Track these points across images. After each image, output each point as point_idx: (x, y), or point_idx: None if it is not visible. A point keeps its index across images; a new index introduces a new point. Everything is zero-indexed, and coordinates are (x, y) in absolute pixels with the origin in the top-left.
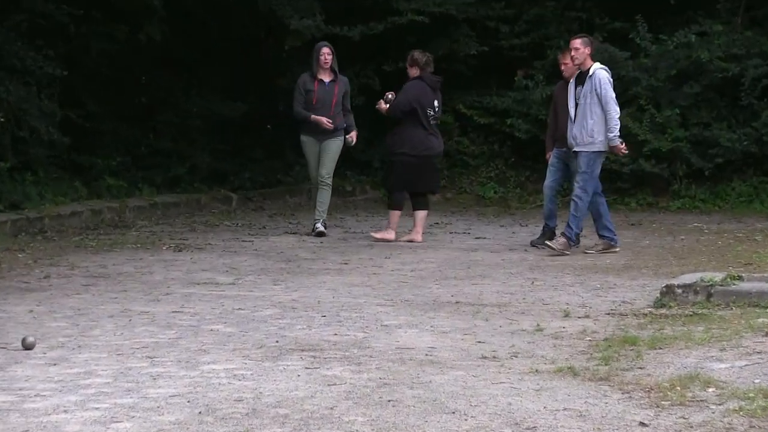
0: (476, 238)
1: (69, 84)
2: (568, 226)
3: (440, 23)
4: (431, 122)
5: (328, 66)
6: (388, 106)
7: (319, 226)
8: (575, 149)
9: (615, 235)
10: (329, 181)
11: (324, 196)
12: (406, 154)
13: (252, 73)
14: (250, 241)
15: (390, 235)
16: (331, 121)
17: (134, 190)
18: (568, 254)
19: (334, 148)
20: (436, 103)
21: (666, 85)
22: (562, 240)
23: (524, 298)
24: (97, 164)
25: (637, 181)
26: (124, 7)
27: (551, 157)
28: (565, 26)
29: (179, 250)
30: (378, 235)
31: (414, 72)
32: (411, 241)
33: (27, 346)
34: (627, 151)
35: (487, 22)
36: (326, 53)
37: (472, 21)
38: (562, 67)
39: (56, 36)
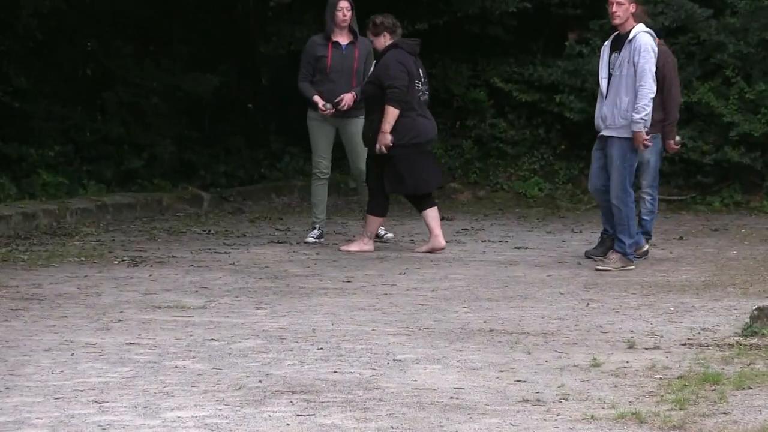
0: (516, 248)
1: None
2: (618, 239)
3: None
4: (420, 99)
5: (346, 25)
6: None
7: (382, 231)
8: (604, 133)
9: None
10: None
11: (322, 192)
12: (392, 146)
13: (227, 38)
14: (225, 253)
15: (368, 245)
16: (338, 104)
17: (77, 188)
18: (632, 268)
19: (360, 131)
20: (421, 72)
21: (759, 51)
22: (615, 256)
23: (577, 325)
24: (29, 155)
25: (722, 175)
26: None
27: None
28: None
29: (135, 265)
30: (353, 248)
31: (383, 41)
32: (433, 250)
33: None
34: (649, 144)
35: None
36: (345, 8)
37: None
38: None
39: None
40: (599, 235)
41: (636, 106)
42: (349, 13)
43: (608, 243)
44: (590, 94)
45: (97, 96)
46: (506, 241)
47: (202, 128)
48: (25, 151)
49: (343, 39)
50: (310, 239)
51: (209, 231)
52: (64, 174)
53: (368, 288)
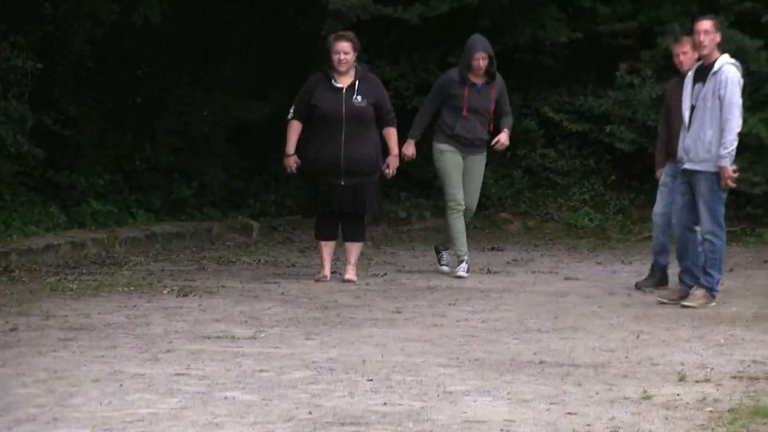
0: (566, 278)
1: (43, 80)
2: (706, 273)
3: (522, 3)
4: None
5: (482, 73)
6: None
7: (463, 268)
8: (687, 166)
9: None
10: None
11: (462, 224)
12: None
13: (278, 65)
14: (275, 283)
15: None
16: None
17: (126, 217)
18: (714, 305)
19: (480, 169)
20: None
21: None
22: (700, 292)
23: (627, 357)
24: (78, 183)
25: None
26: None
27: (663, 175)
28: (681, 7)
29: (184, 295)
30: (352, 276)
31: (354, 57)
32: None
33: None
34: (734, 183)
35: (582, 2)
36: (481, 58)
37: (562, 0)
38: (678, 60)
39: (27, 18)
40: (650, 266)
41: (723, 140)
42: (485, 62)
43: (658, 275)
44: (641, 125)
45: (148, 124)
46: (556, 272)
47: (252, 156)
48: (74, 179)
49: (478, 79)
50: (462, 273)
51: (259, 261)
52: (113, 203)
53: (418, 319)
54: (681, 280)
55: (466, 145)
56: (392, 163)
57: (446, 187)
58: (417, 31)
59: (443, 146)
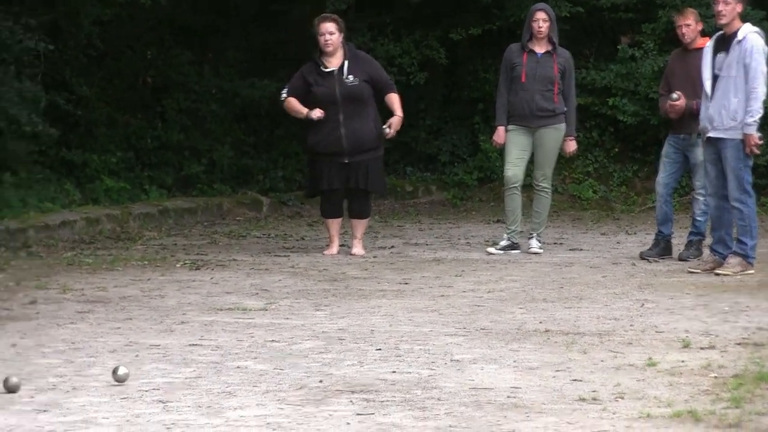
0: (571, 249)
1: (55, 61)
2: (740, 241)
3: None
4: None
5: (542, 36)
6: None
7: (534, 244)
8: (711, 135)
9: (729, 251)
10: (547, 185)
11: (542, 204)
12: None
13: (284, 43)
14: (285, 256)
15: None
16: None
17: (139, 193)
18: (752, 272)
19: (552, 141)
20: None
21: None
22: (735, 260)
23: (632, 325)
24: (92, 161)
25: None
26: None
27: (665, 146)
28: None
29: (196, 268)
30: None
31: (341, 37)
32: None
33: (10, 389)
34: (759, 150)
35: None
36: (541, 19)
37: None
38: (681, 32)
39: (38, 0)
40: (654, 236)
41: (749, 108)
42: (546, 24)
43: (662, 244)
44: (643, 98)
45: (158, 103)
46: (561, 243)
47: (260, 134)
48: (88, 157)
49: (539, 48)
50: (492, 249)
51: (269, 235)
52: (126, 180)
53: (425, 290)
54: (713, 250)
55: (527, 117)
56: (394, 123)
57: (504, 165)
58: (419, 8)
59: (508, 126)
